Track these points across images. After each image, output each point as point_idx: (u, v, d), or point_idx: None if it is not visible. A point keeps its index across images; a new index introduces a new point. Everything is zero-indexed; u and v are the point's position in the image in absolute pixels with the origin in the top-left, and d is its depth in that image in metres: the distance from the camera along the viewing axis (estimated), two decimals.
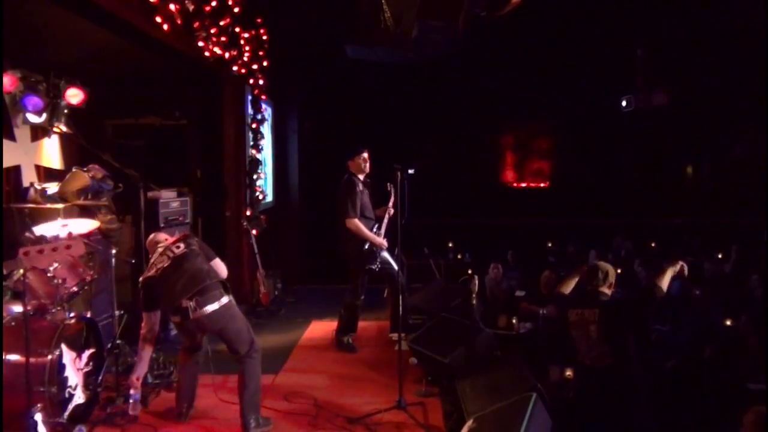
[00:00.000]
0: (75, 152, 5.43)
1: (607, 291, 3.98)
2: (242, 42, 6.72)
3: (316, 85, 9.82)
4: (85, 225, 4.29)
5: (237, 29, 6.51)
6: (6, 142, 4.57)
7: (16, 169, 4.81)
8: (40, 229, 4.02)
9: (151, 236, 4.01)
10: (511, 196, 12.94)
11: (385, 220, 5.43)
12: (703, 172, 12.61)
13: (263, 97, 7.42)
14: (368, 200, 5.45)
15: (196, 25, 5.63)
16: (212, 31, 5.92)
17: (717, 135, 11.69)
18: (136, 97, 6.64)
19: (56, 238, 3.95)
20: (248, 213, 7.05)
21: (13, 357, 3.30)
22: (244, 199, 7.09)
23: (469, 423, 3.30)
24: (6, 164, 4.56)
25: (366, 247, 5.26)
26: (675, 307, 5.93)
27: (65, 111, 4.96)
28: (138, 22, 4.88)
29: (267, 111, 7.73)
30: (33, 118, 4.66)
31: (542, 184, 13.34)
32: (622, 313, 3.87)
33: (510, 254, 8.96)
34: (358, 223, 5.24)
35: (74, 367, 3.61)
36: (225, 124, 6.96)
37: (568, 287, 4.23)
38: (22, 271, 3.09)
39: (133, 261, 5.13)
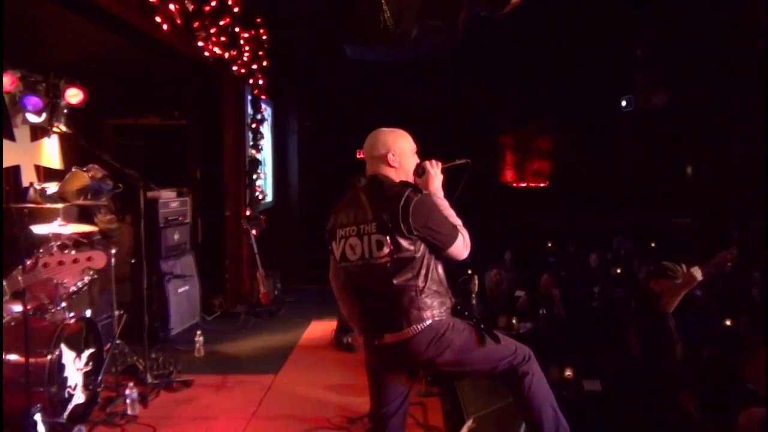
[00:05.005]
0: (75, 152, 5.43)
1: None
2: (242, 42, 6.72)
3: (316, 85, 9.81)
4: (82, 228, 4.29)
5: (237, 29, 6.50)
6: (6, 142, 4.57)
7: (16, 169, 4.80)
8: (39, 229, 4.03)
9: None
10: (511, 196, 12.94)
11: None
12: (703, 172, 12.61)
13: (263, 97, 7.41)
14: None
15: (196, 25, 5.63)
16: (212, 31, 5.92)
17: (717, 135, 11.69)
18: (135, 97, 6.63)
19: (57, 236, 3.96)
20: (248, 213, 7.05)
21: (12, 357, 3.30)
22: (244, 199, 7.08)
23: (469, 423, 3.30)
24: (6, 164, 4.55)
25: None
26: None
27: (65, 111, 4.95)
28: (138, 22, 4.88)
29: (267, 111, 7.72)
30: (33, 118, 4.66)
31: (542, 184, 13.34)
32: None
33: (508, 255, 8.90)
34: None
35: (74, 367, 3.62)
36: (225, 124, 6.95)
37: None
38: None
39: (133, 261, 5.12)
